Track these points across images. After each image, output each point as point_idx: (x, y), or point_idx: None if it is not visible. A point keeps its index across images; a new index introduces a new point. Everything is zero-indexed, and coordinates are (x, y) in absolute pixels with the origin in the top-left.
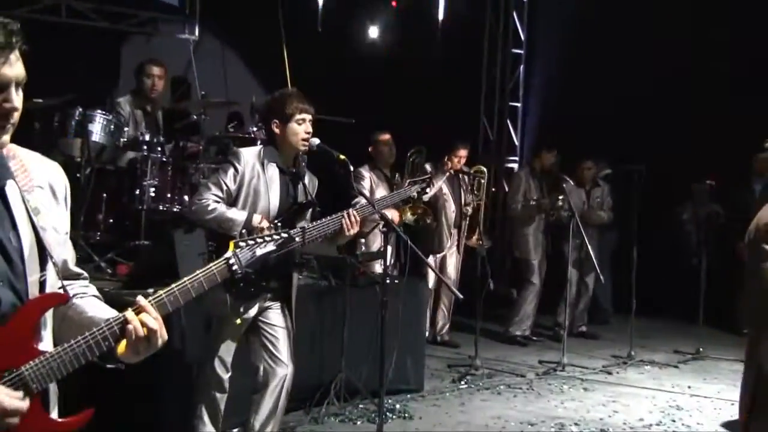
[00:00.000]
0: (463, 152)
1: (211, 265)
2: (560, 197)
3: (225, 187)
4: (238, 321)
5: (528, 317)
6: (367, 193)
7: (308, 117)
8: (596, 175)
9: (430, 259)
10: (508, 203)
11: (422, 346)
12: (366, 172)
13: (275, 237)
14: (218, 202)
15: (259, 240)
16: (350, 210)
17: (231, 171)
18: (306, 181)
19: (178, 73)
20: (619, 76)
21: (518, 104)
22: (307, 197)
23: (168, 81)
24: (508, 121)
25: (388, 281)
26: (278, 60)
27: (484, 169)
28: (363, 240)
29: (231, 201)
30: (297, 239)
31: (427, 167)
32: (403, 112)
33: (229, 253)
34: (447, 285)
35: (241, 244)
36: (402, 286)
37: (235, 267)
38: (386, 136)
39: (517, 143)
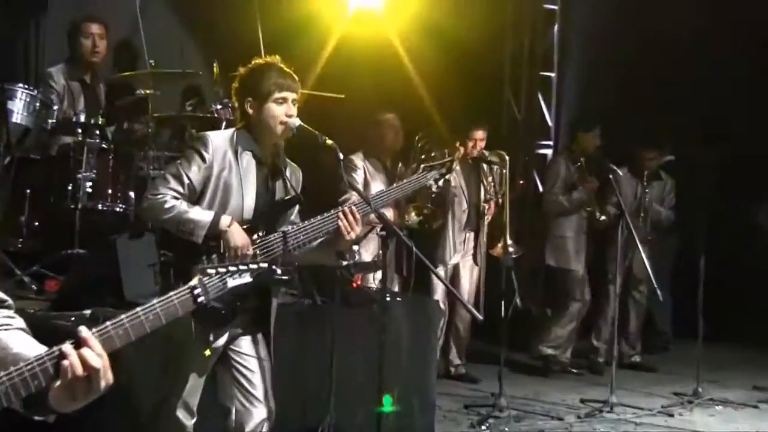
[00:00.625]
0: (479, 135)
1: (171, 294)
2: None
3: (187, 181)
4: (207, 352)
5: (566, 343)
6: (361, 188)
7: (291, 96)
8: (658, 165)
9: (440, 271)
10: (543, 198)
11: (432, 381)
12: (359, 161)
13: (252, 267)
14: (177, 198)
15: (232, 269)
16: (346, 206)
17: (196, 160)
18: (288, 174)
19: (119, 37)
20: (685, 32)
21: (552, 73)
22: (289, 192)
23: (109, 46)
24: (540, 95)
25: (387, 299)
26: (248, 19)
27: (505, 156)
28: (356, 247)
29: (194, 198)
30: (278, 272)
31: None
32: (406, 86)
33: (194, 281)
34: (462, 303)
35: (210, 271)
36: (406, 305)
37: (201, 299)
38: (390, 116)
39: (550, 123)
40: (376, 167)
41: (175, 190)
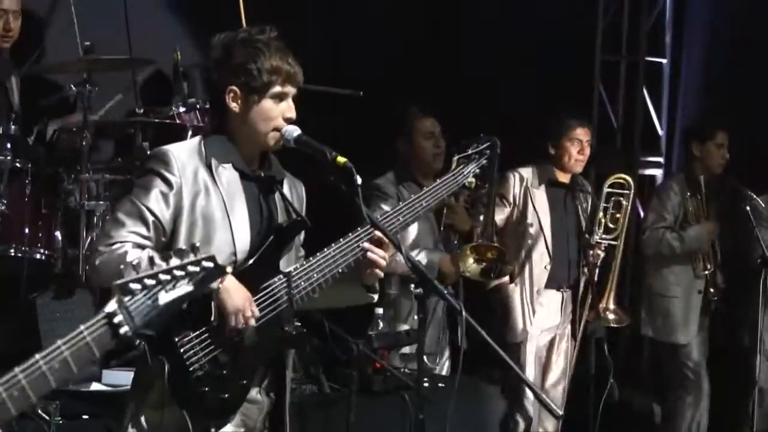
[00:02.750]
0: (581, 133)
1: (81, 328)
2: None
3: (151, 218)
4: None
5: None
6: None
7: (292, 91)
8: None
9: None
10: (643, 235)
11: None
12: (391, 187)
13: (192, 269)
14: (141, 246)
15: (163, 277)
16: (372, 235)
17: (157, 186)
18: (286, 190)
19: (38, 12)
20: None
21: (663, 60)
22: (291, 215)
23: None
24: (645, 92)
25: (426, 384)
26: None
27: (629, 180)
28: (379, 311)
29: (164, 241)
30: (227, 269)
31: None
32: (450, 79)
33: (111, 305)
34: (532, 390)
35: (133, 286)
36: (452, 394)
37: (124, 329)
38: (428, 122)
39: (660, 131)
40: (415, 193)
41: (136, 233)
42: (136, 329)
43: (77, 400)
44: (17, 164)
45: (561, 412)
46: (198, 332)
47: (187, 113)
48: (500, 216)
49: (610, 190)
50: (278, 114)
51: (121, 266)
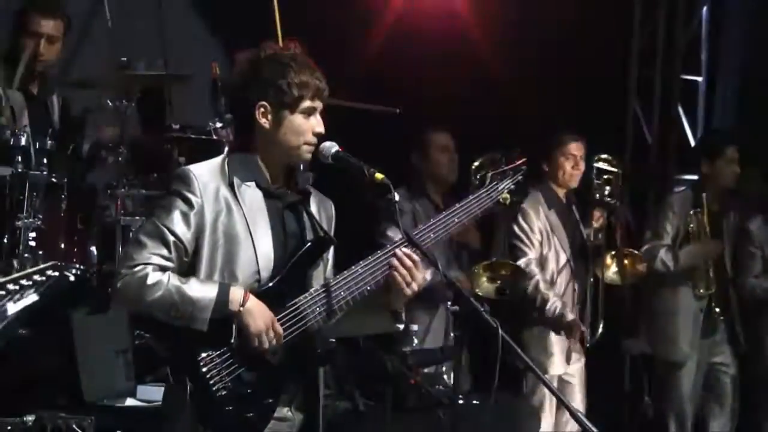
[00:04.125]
0: (574, 148)
1: None
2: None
3: (172, 238)
4: None
5: None
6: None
7: (320, 105)
8: None
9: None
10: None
11: None
12: (405, 203)
13: (37, 279)
14: (163, 268)
15: (11, 287)
16: (398, 251)
17: (179, 207)
18: (313, 208)
19: (76, 26)
20: None
21: (698, 78)
22: (317, 233)
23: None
24: (680, 110)
25: (460, 401)
26: (260, 2)
27: (613, 161)
28: (414, 327)
29: (186, 263)
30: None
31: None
32: (481, 94)
33: None
34: (572, 414)
35: None
36: (488, 411)
37: None
38: (443, 136)
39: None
40: (427, 209)
41: (158, 255)
42: None
43: (112, 415)
44: (53, 179)
45: (595, 430)
46: (221, 351)
47: (223, 129)
48: (532, 255)
49: (599, 165)
50: (308, 129)
51: (142, 288)
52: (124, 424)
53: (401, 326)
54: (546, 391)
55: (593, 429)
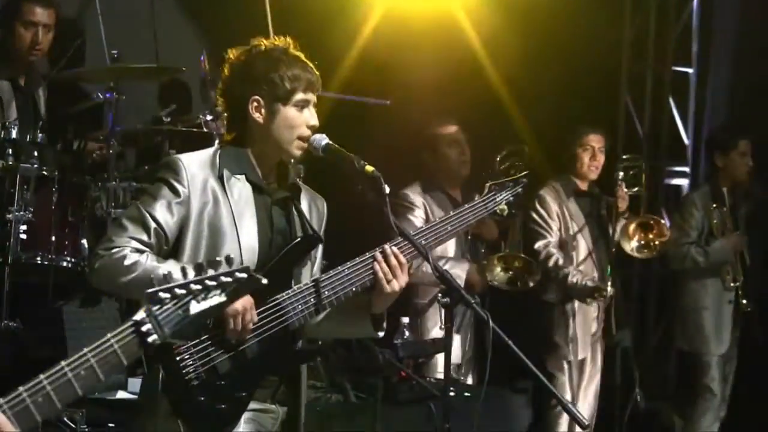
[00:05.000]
0: (593, 140)
1: (108, 336)
2: None
3: (153, 225)
4: None
5: None
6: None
7: (313, 98)
8: None
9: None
10: (671, 251)
11: None
12: (417, 197)
13: (224, 280)
14: (140, 251)
15: (195, 287)
16: (386, 246)
17: (164, 195)
18: (304, 206)
19: (66, 18)
20: None
21: (689, 69)
22: (305, 230)
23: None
24: (671, 101)
25: (452, 393)
26: None
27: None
28: (405, 320)
29: (167, 249)
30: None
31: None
32: (477, 87)
33: (141, 314)
34: (559, 401)
35: (163, 295)
36: (479, 404)
37: (152, 337)
38: (452, 129)
39: (687, 140)
40: (442, 203)
41: (137, 239)
42: (165, 337)
43: (103, 407)
44: (44, 172)
45: (588, 422)
46: (197, 340)
47: (213, 121)
48: (551, 239)
49: (626, 164)
50: (302, 122)
51: (119, 268)
52: (114, 416)
53: (381, 334)
54: (567, 374)
55: (584, 420)
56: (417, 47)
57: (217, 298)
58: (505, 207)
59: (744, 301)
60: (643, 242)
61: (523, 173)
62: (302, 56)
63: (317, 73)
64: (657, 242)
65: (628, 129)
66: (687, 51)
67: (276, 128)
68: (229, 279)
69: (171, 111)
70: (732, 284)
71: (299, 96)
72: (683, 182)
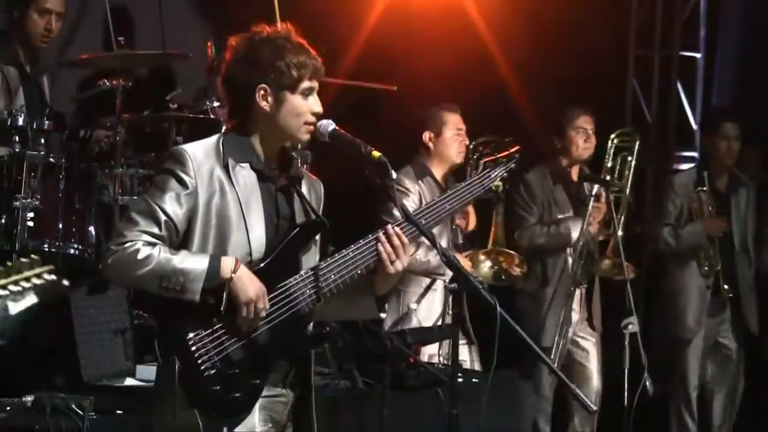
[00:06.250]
0: (585, 121)
1: None
2: None
3: (163, 217)
4: None
5: None
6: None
7: (317, 85)
8: None
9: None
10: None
11: None
12: (411, 183)
13: (35, 281)
14: (153, 244)
15: (13, 288)
16: (388, 227)
17: (172, 187)
18: (304, 190)
19: (72, 7)
20: None
21: (697, 54)
22: (309, 215)
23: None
24: (679, 86)
25: (460, 379)
26: None
27: (634, 135)
28: (413, 305)
29: (178, 241)
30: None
31: None
32: (483, 72)
33: None
34: (568, 387)
35: None
36: (486, 389)
37: None
38: (457, 117)
39: (695, 125)
40: (432, 189)
41: (148, 233)
42: None
43: (111, 395)
44: (51, 159)
45: (595, 408)
46: (210, 330)
47: (220, 108)
48: (534, 221)
49: (617, 144)
50: (308, 109)
51: (132, 262)
52: (123, 403)
53: (384, 315)
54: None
55: (592, 406)
56: (423, 33)
57: (30, 299)
58: (500, 183)
59: (726, 287)
60: (495, 267)
61: (515, 149)
62: (305, 43)
63: (320, 59)
64: (508, 271)
65: (635, 115)
66: (694, 35)
67: (283, 116)
68: (39, 281)
69: (175, 95)
70: (707, 269)
71: (305, 84)
72: (691, 166)
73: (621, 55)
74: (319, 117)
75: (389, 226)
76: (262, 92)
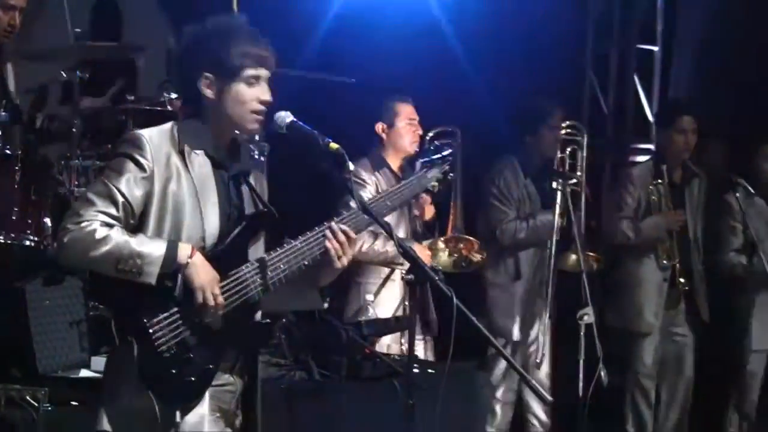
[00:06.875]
0: (560, 119)
1: None
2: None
3: (121, 199)
4: None
5: None
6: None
7: (266, 74)
8: None
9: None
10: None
11: None
12: (367, 174)
13: None
14: (110, 225)
15: None
16: (333, 224)
17: (129, 170)
18: (252, 180)
19: None
20: None
21: (654, 47)
22: (258, 206)
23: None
24: (636, 79)
25: (416, 370)
26: None
27: (581, 127)
28: (369, 297)
29: (134, 224)
30: None
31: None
32: (442, 64)
33: None
34: (523, 377)
35: None
36: (443, 380)
37: None
38: (410, 108)
39: (652, 117)
40: (389, 180)
41: (105, 213)
42: None
43: (66, 386)
44: (7, 151)
45: (549, 398)
46: (167, 314)
47: (178, 100)
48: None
49: (566, 137)
50: (252, 97)
51: (89, 242)
52: (77, 395)
53: (326, 305)
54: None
55: (547, 397)
56: (382, 24)
57: None
58: (436, 183)
59: (682, 280)
60: (455, 255)
61: (449, 152)
62: (256, 32)
63: (271, 48)
64: (468, 257)
65: (592, 109)
66: (652, 29)
67: (228, 105)
68: None
69: (116, 89)
70: (665, 262)
71: (249, 72)
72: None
73: (579, 48)
74: (267, 105)
75: (333, 224)
76: (207, 81)
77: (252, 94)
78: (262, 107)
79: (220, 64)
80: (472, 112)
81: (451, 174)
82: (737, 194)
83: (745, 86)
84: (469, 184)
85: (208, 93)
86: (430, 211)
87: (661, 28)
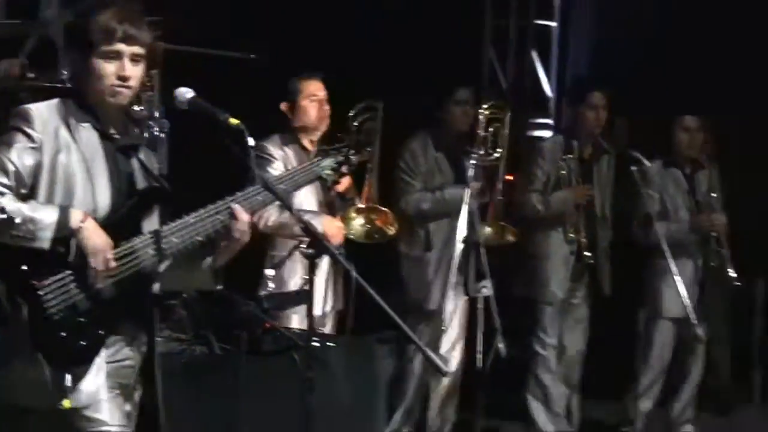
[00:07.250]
0: (466, 94)
1: None
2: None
3: (12, 168)
4: (66, 403)
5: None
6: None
7: (128, 50)
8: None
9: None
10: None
11: None
12: (275, 149)
13: None
14: (2, 193)
15: None
16: (233, 204)
17: (19, 141)
18: (142, 155)
19: None
20: None
21: (552, 23)
22: (150, 180)
23: None
24: (535, 54)
25: (315, 344)
26: None
27: (504, 105)
28: (269, 272)
29: (24, 194)
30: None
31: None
32: (343, 41)
33: None
34: (418, 347)
35: None
36: (342, 354)
37: None
38: (313, 85)
39: (549, 92)
40: (300, 157)
41: None
42: None
43: None
44: None
45: (446, 369)
46: (58, 277)
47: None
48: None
49: (488, 114)
50: (110, 73)
51: None
52: None
53: (221, 287)
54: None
55: (442, 367)
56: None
57: None
58: (331, 172)
59: (587, 254)
60: (368, 226)
61: (344, 144)
62: (130, 8)
63: (142, 24)
64: (382, 229)
65: (491, 83)
66: (549, 5)
67: (91, 78)
68: None
69: (33, 45)
70: (572, 236)
71: (104, 48)
72: (546, 134)
73: (477, 23)
74: (126, 80)
75: (233, 204)
76: (79, 55)
77: (108, 68)
78: (119, 82)
79: (83, 39)
80: (392, 86)
81: (345, 166)
82: (642, 166)
83: (641, 62)
84: (390, 158)
85: (81, 66)
86: (345, 182)
87: (559, 4)
